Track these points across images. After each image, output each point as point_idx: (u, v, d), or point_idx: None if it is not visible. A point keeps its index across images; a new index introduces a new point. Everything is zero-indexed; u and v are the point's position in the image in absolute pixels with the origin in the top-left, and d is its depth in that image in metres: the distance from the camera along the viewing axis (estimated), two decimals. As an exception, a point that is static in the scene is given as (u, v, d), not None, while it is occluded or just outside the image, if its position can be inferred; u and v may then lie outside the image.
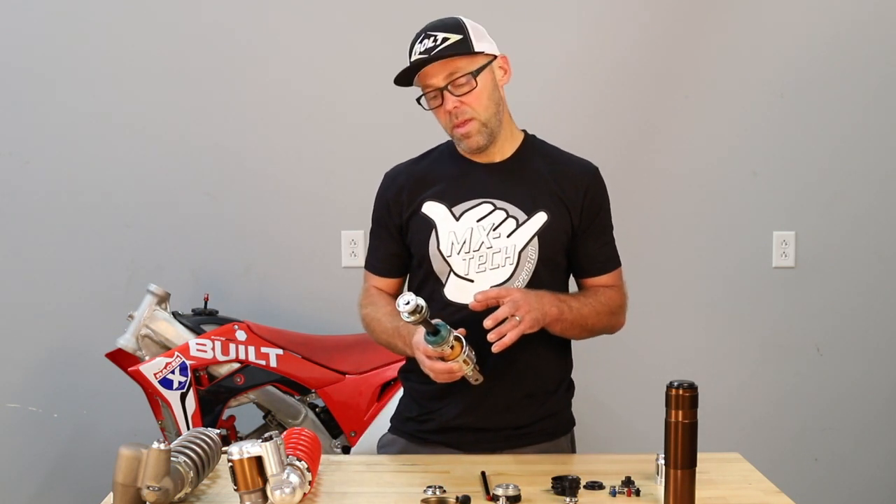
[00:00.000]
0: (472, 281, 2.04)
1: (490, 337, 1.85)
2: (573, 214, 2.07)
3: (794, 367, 3.36)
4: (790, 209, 3.32)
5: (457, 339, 1.85)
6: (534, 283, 2.04)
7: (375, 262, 2.18)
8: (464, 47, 1.98)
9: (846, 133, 3.30)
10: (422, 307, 1.75)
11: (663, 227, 3.31)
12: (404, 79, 2.02)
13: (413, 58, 2.00)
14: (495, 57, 2.04)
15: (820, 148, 3.31)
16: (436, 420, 2.10)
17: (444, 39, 1.97)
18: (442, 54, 1.96)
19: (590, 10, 3.22)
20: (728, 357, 3.35)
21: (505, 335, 1.85)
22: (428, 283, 2.08)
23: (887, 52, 3.28)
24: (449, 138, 2.13)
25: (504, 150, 2.10)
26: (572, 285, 2.18)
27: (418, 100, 2.04)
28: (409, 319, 1.76)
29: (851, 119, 3.30)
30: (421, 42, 1.99)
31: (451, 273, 2.05)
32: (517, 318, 1.86)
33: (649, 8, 3.24)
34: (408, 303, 1.75)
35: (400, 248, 2.14)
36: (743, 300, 3.34)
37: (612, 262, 2.15)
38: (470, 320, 1.94)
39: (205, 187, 3.24)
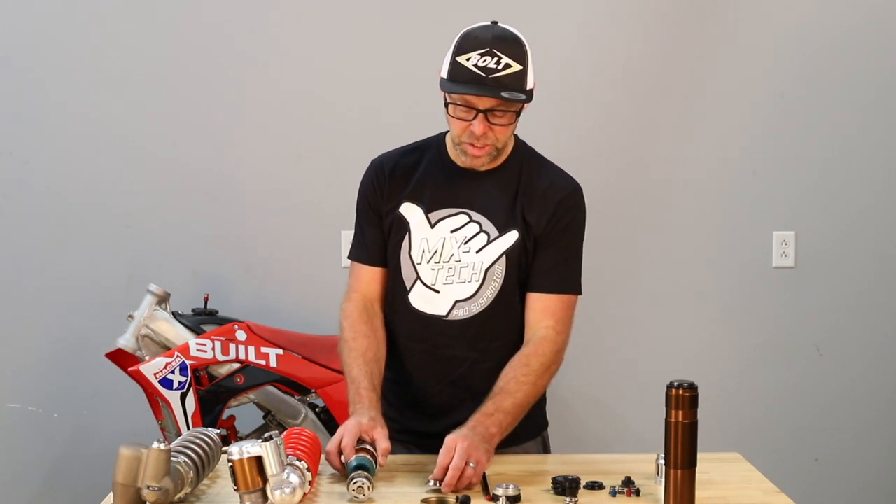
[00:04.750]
0: (437, 292, 2.02)
1: (445, 489, 1.77)
2: (536, 230, 2.00)
3: (793, 367, 3.35)
4: (790, 209, 3.32)
5: None
6: (499, 302, 2.00)
7: (362, 251, 2.11)
8: (520, 84, 1.89)
9: (846, 133, 3.30)
10: (365, 487, 1.74)
11: (663, 227, 3.31)
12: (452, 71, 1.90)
13: (469, 66, 1.87)
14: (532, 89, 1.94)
15: (820, 148, 3.31)
16: (401, 423, 2.09)
17: (507, 66, 1.87)
18: (498, 90, 1.85)
19: (589, 10, 3.22)
20: (728, 357, 3.35)
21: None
22: (395, 287, 2.07)
23: (887, 52, 3.28)
24: (443, 131, 2.09)
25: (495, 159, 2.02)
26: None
27: (446, 105, 1.94)
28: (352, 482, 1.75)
29: (851, 119, 3.30)
30: (483, 57, 1.87)
31: (418, 280, 2.03)
32: (472, 465, 1.78)
33: (649, 8, 3.24)
34: (360, 486, 1.74)
35: (385, 235, 2.09)
36: (743, 300, 3.34)
37: (564, 284, 2.02)
38: (431, 330, 2.00)
39: (205, 187, 3.24)
